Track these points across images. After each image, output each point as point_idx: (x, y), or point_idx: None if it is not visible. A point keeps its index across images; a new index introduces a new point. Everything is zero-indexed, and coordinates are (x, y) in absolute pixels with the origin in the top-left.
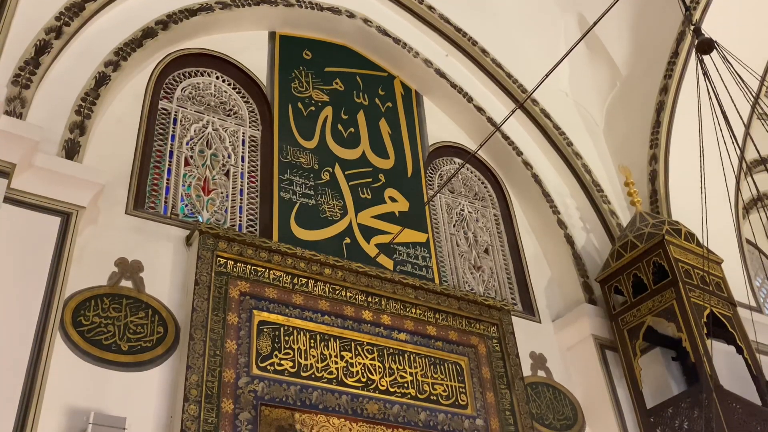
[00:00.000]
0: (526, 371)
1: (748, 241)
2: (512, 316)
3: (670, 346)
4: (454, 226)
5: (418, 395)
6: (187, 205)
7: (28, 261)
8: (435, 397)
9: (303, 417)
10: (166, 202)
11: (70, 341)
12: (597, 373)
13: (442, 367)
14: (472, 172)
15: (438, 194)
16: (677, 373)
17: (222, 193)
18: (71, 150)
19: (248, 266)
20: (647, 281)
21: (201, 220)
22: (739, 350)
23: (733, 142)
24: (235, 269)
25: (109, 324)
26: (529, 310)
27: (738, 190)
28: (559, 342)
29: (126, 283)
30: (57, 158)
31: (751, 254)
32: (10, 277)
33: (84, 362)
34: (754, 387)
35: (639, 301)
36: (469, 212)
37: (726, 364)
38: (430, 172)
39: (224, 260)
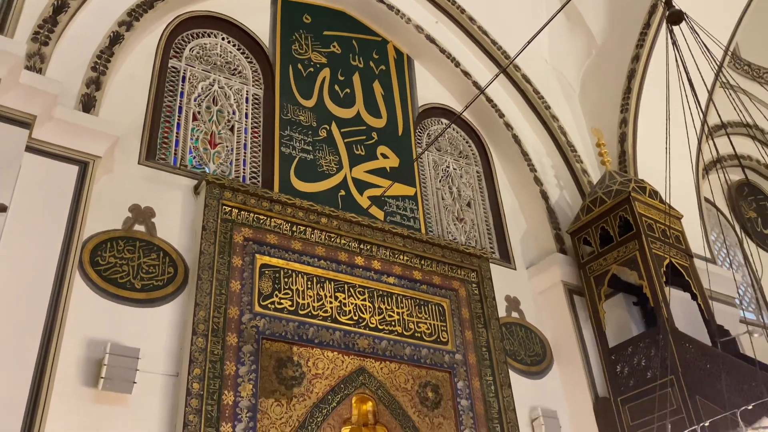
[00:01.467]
0: (502, 312)
1: (706, 199)
2: (490, 264)
3: (631, 292)
4: (440, 181)
5: (404, 332)
6: (195, 157)
7: (49, 206)
8: (419, 334)
9: (300, 350)
10: (175, 154)
11: (89, 279)
12: (565, 315)
13: (426, 308)
14: (457, 132)
15: (426, 152)
16: (637, 317)
17: (227, 146)
18: (88, 104)
19: (251, 214)
20: (613, 233)
21: (208, 171)
22: (694, 297)
23: (697, 108)
24: (239, 217)
25: (124, 264)
26: (506, 258)
27: (699, 152)
28: (532, 287)
29: (139, 228)
30: (75, 111)
31: (708, 211)
32: (32, 221)
33: (101, 298)
34: (706, 330)
35: (605, 252)
36: (453, 169)
37: (681, 309)
38: (418, 131)
39: (229, 208)
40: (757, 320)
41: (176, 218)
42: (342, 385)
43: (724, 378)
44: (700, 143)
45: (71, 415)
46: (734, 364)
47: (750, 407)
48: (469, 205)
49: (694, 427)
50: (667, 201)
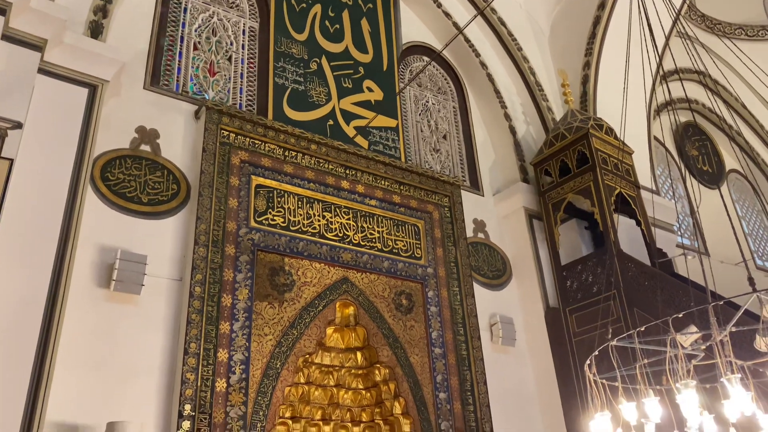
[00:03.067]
0: (469, 233)
1: (656, 138)
2: (461, 190)
3: (584, 218)
4: (419, 114)
5: (383, 248)
6: (195, 85)
7: (62, 125)
8: (396, 251)
9: (291, 261)
10: (177, 81)
11: (100, 193)
12: (524, 236)
13: (403, 228)
14: (437, 69)
15: (407, 87)
16: (587, 239)
17: (225, 75)
18: (95, 30)
19: (247, 139)
20: (572, 166)
21: (207, 97)
22: (638, 223)
23: (654, 53)
24: (236, 141)
25: (132, 180)
26: (476, 185)
27: (653, 94)
28: (497, 211)
29: (145, 147)
30: (83, 37)
31: (657, 148)
32: (46, 138)
33: (112, 210)
34: (647, 252)
35: (563, 182)
36: (432, 104)
37: (626, 234)
38: (402, 67)
39: (227, 133)
40: (691, 245)
41: (179, 140)
42: (327, 292)
43: (659, 293)
44: (654, 86)
45: (87, 311)
46: (669, 281)
47: (680, 315)
48: (444, 137)
49: (630, 332)
50: (621, 138)
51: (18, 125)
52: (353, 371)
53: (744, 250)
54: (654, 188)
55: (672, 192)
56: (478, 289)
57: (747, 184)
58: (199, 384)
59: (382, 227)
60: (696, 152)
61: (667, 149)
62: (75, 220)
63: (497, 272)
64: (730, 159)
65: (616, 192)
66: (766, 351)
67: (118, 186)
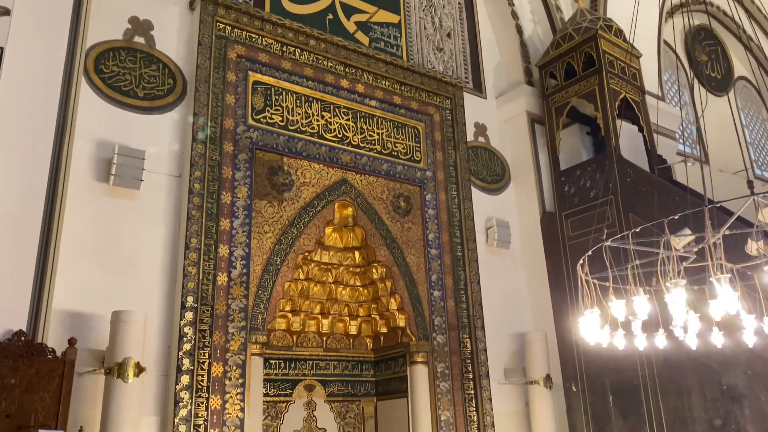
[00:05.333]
0: (470, 137)
1: (666, 42)
2: (464, 92)
3: (586, 124)
4: (423, 10)
5: (383, 151)
6: None
7: (51, 12)
8: (396, 153)
9: (290, 161)
10: None
11: (94, 86)
12: (525, 141)
13: (403, 130)
14: None
15: None
16: (588, 145)
17: None
18: None
19: (244, 32)
20: (578, 68)
21: None
22: (641, 129)
23: None
24: (232, 34)
25: (126, 74)
26: (479, 87)
27: None
28: (499, 115)
29: (139, 39)
30: None
31: (666, 53)
32: (36, 26)
33: (107, 104)
34: (647, 160)
35: (568, 85)
36: None
37: (628, 140)
38: None
39: (223, 25)
40: (692, 153)
41: (173, 33)
42: (326, 193)
43: (656, 200)
44: None
45: (87, 205)
46: (666, 188)
47: (676, 217)
48: (449, 35)
49: (625, 233)
50: (630, 40)
51: (5, 11)
52: (351, 269)
53: (744, 159)
54: (659, 94)
55: (678, 98)
56: (476, 193)
57: (754, 92)
58: (200, 278)
59: (382, 129)
60: (705, 57)
61: (676, 54)
62: (70, 113)
63: (496, 177)
64: (740, 65)
65: (621, 97)
66: (757, 255)
67: (113, 79)
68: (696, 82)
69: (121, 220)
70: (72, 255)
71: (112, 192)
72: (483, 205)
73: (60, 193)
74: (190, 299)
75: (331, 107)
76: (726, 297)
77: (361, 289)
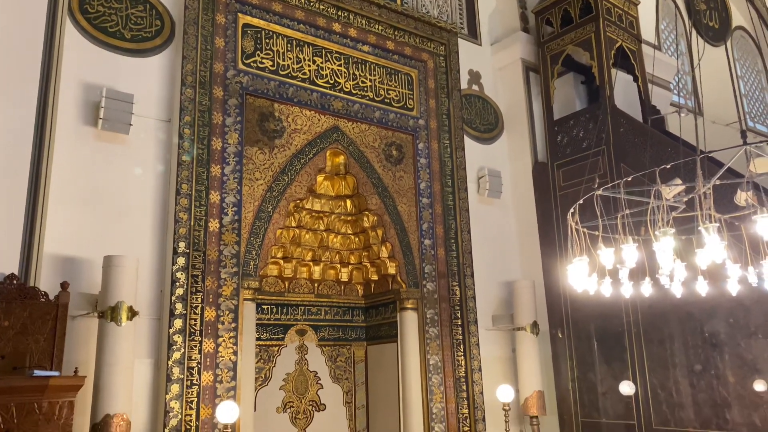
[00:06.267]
0: (464, 85)
1: None
2: (458, 39)
3: (581, 72)
4: None
5: (375, 98)
6: None
7: None
8: (388, 101)
9: (281, 107)
10: None
11: (80, 26)
12: (519, 89)
13: (396, 77)
14: None
15: None
16: (583, 94)
17: None
18: None
19: None
20: (574, 15)
21: None
22: (635, 79)
23: None
24: None
25: (113, 14)
26: (473, 34)
27: None
28: (494, 63)
29: None
30: None
31: (664, 0)
32: None
33: (94, 46)
34: (640, 110)
35: (564, 32)
36: None
37: (622, 90)
38: None
39: None
40: (686, 105)
41: None
42: (318, 140)
43: (648, 150)
44: None
45: (76, 149)
46: (659, 139)
47: (668, 167)
48: None
49: (616, 182)
50: None
51: None
52: (342, 217)
53: (738, 111)
54: (656, 43)
55: (675, 47)
56: (468, 142)
57: (751, 43)
58: (192, 224)
59: (375, 75)
60: (704, 6)
61: (674, 1)
62: (56, 54)
63: (489, 126)
64: (738, 15)
65: (617, 45)
66: (746, 206)
67: (99, 20)
68: (693, 31)
69: (110, 165)
70: (62, 199)
71: (101, 136)
72: (475, 154)
73: (48, 137)
74: (182, 245)
75: (323, 52)
76: (713, 246)
77: (352, 237)
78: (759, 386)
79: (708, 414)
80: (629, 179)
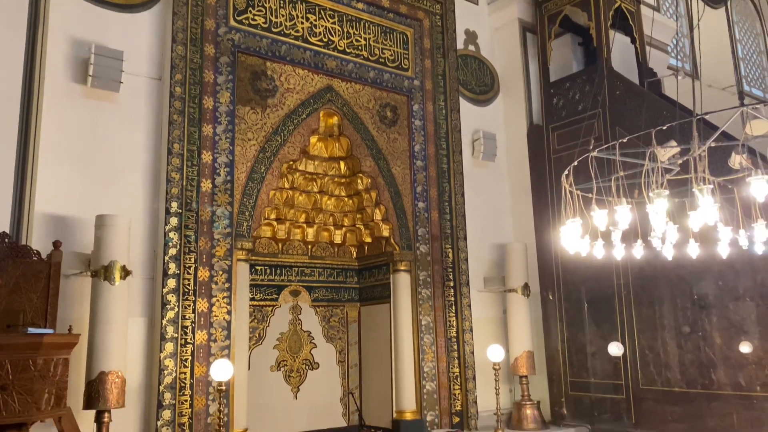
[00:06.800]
0: (460, 45)
1: None
2: None
3: (579, 34)
4: None
5: (370, 57)
6: None
7: None
8: (383, 60)
9: (273, 66)
10: None
11: None
12: (516, 50)
13: (391, 36)
14: None
15: None
16: (579, 56)
17: None
18: None
19: None
20: None
21: None
22: (633, 41)
23: None
24: None
25: None
26: None
27: None
28: (490, 22)
29: None
30: None
31: None
32: None
33: (82, 0)
34: (637, 73)
35: None
36: None
37: (619, 52)
38: None
39: None
40: (683, 68)
41: None
42: (311, 100)
43: (645, 113)
44: None
45: (65, 107)
46: (655, 102)
47: (664, 128)
48: None
49: (612, 143)
50: None
51: None
52: (336, 179)
53: (737, 74)
54: (655, 4)
55: (675, 8)
56: (464, 104)
57: (750, 5)
58: (184, 183)
59: (369, 34)
60: None
61: None
62: (42, 8)
63: (485, 87)
64: None
65: (616, 6)
66: (740, 169)
67: None
68: None
69: (100, 123)
70: (52, 158)
71: (91, 94)
72: (470, 116)
73: (36, 94)
74: (174, 205)
75: (316, 9)
76: (706, 207)
77: (346, 199)
78: (744, 347)
79: (694, 374)
80: (624, 140)
